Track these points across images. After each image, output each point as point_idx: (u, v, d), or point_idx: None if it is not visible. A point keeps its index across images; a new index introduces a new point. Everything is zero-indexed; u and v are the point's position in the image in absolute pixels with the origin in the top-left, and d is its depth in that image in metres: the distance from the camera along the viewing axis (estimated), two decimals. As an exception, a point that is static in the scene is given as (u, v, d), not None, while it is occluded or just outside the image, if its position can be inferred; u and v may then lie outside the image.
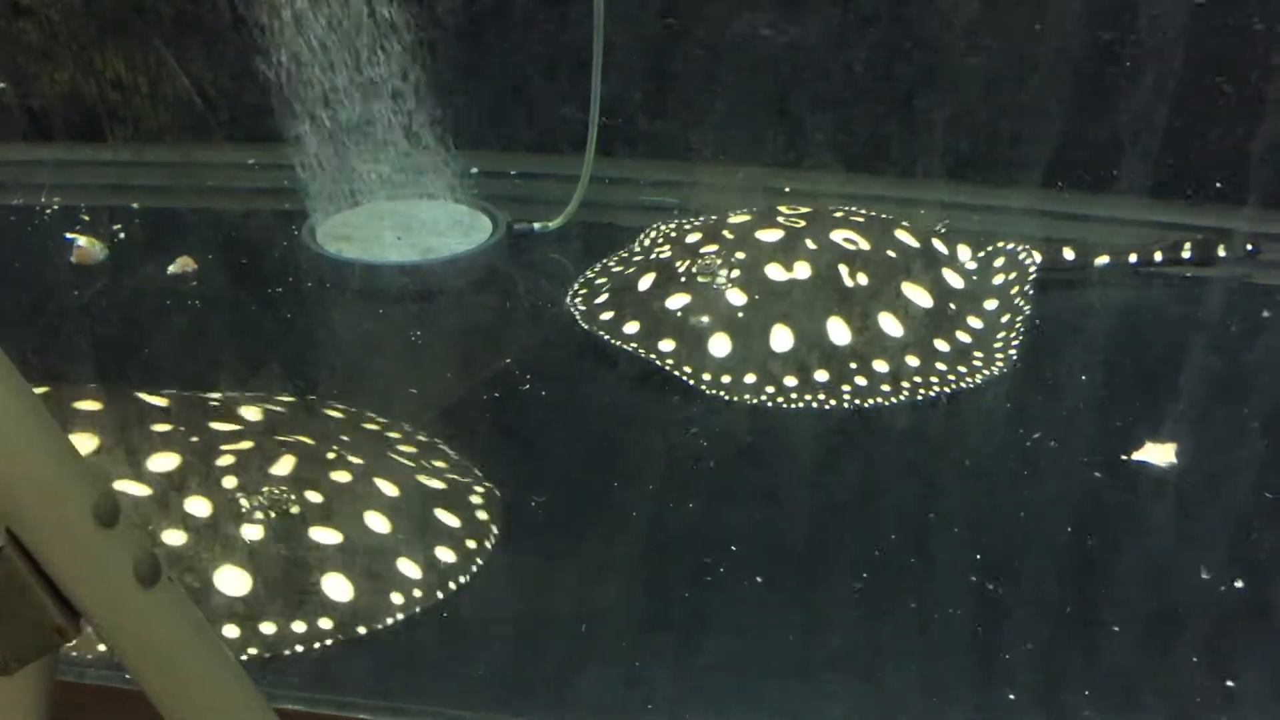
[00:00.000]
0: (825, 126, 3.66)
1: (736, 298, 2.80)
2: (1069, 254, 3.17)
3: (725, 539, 2.27)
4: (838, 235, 2.96)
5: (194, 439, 2.24)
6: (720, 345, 2.73)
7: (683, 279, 2.87)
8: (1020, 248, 3.11)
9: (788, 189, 3.67)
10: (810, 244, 2.91)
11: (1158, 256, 3.15)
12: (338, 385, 2.75)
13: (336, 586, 2.09)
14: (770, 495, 2.46)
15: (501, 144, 3.87)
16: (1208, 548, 2.23)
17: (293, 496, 2.16)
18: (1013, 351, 2.83)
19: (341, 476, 2.26)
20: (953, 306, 2.91)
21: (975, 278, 3.04)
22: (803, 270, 2.85)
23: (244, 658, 1.94)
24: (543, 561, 2.27)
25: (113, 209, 3.64)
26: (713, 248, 2.92)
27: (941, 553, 2.25)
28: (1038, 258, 3.11)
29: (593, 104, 3.31)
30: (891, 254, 2.96)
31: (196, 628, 1.10)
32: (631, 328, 2.82)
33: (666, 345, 2.74)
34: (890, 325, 2.80)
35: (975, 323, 2.90)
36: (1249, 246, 3.14)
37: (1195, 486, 2.42)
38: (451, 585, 2.15)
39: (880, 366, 2.71)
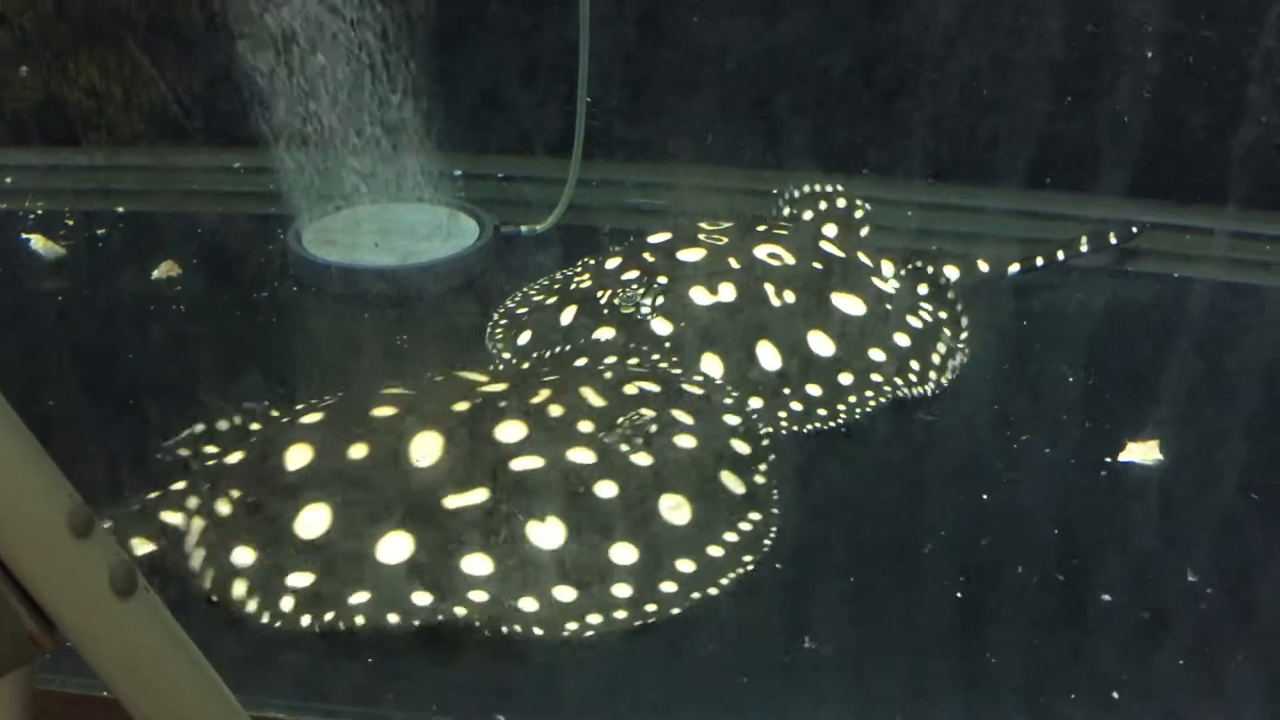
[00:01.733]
0: (805, 128, 3.66)
1: (661, 328, 2.69)
2: (983, 265, 3.15)
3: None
4: (761, 251, 2.85)
5: (503, 404, 2.21)
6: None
7: (605, 310, 2.75)
8: (932, 266, 3.07)
9: (775, 190, 3.68)
10: (734, 263, 2.80)
11: (1060, 255, 3.20)
12: (319, 389, 2.74)
13: (735, 484, 2.16)
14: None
15: (487, 147, 3.86)
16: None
17: (645, 415, 2.17)
18: (954, 360, 2.78)
19: (632, 389, 2.28)
20: (888, 307, 2.84)
21: (901, 291, 2.96)
22: (728, 292, 2.73)
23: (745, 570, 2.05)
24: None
25: (97, 214, 3.63)
26: (634, 274, 2.80)
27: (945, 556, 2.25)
28: (955, 273, 3.09)
29: (579, 106, 3.31)
30: (817, 266, 2.88)
31: (173, 638, 1.09)
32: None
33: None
34: (821, 344, 2.69)
35: (903, 339, 2.79)
36: (1133, 229, 3.31)
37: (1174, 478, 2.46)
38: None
39: (814, 390, 2.60)
